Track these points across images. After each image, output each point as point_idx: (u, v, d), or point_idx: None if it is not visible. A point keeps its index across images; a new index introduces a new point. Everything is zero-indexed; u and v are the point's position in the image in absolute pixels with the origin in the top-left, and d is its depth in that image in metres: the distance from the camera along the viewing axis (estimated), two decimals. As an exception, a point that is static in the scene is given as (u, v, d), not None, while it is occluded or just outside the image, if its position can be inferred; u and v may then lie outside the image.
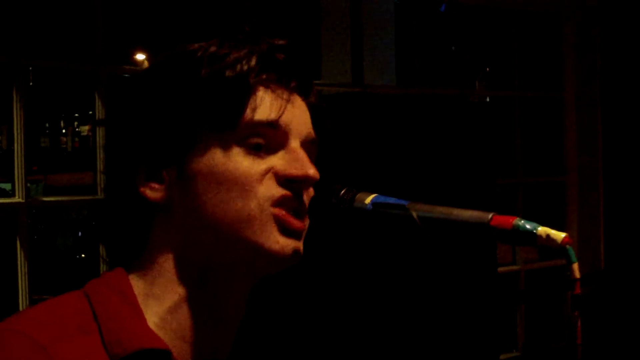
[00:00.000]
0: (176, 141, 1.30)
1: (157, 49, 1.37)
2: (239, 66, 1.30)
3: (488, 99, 5.27)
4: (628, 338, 5.00)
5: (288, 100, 1.32)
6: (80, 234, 8.80)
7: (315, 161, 1.38)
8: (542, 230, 1.25)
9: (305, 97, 1.38)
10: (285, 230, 1.29)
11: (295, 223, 1.29)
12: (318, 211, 1.34)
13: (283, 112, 1.31)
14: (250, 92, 1.29)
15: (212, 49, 1.31)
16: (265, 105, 1.30)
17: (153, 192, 1.31)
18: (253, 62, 1.31)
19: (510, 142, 5.13)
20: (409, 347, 3.11)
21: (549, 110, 5.39)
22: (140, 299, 1.30)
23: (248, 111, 1.29)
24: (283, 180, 1.29)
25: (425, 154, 3.48)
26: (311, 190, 1.35)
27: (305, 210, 1.32)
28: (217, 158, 1.28)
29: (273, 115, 1.30)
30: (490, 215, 1.28)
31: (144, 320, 1.28)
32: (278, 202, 1.29)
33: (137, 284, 1.32)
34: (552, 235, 1.24)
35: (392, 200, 1.34)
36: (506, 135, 5.15)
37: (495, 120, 3.71)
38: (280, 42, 1.36)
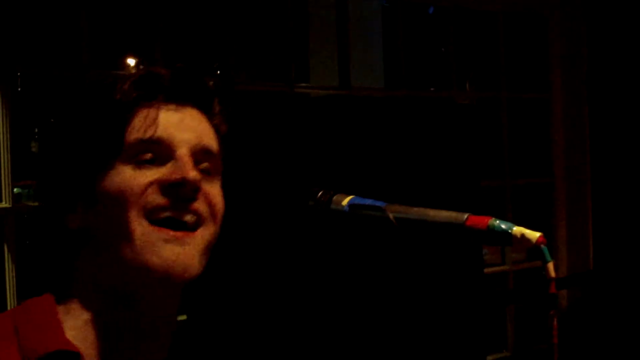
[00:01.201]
0: (78, 175, 1.36)
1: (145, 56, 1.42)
2: (118, 92, 1.37)
3: (471, 101, 5.25)
4: (617, 337, 5.01)
5: (173, 116, 1.37)
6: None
7: (220, 172, 1.43)
8: (517, 230, 1.26)
9: (205, 112, 1.43)
10: (167, 240, 1.31)
11: (175, 233, 1.31)
12: (295, 213, 1.35)
13: (163, 126, 1.35)
14: (130, 111, 1.35)
15: (107, 80, 1.40)
16: (144, 123, 1.35)
17: (72, 221, 1.38)
18: (132, 82, 1.37)
19: (497, 144, 5.13)
20: (393, 348, 3.11)
21: (536, 112, 5.39)
22: (60, 315, 1.36)
23: (130, 132, 1.34)
24: (165, 187, 1.32)
25: (409, 156, 3.50)
26: (214, 198, 1.38)
27: (196, 216, 1.35)
28: (110, 180, 1.33)
29: (154, 132, 1.34)
30: (465, 216, 1.29)
31: (61, 329, 1.34)
32: (156, 214, 1.31)
33: (60, 304, 1.38)
34: (526, 235, 1.25)
35: (369, 201, 1.36)
36: (493, 136, 5.15)
37: (479, 122, 3.71)
38: (164, 70, 1.41)
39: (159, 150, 1.34)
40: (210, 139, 1.41)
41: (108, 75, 1.41)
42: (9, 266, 3.23)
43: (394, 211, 1.33)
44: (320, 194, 1.37)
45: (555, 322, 1.24)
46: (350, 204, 1.36)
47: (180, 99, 1.39)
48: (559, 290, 5.30)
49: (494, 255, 5.25)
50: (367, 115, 3.56)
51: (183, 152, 1.35)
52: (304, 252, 2.75)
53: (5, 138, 3.23)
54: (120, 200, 1.30)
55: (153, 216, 1.31)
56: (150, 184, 1.31)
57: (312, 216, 1.36)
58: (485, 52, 5.32)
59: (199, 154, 1.37)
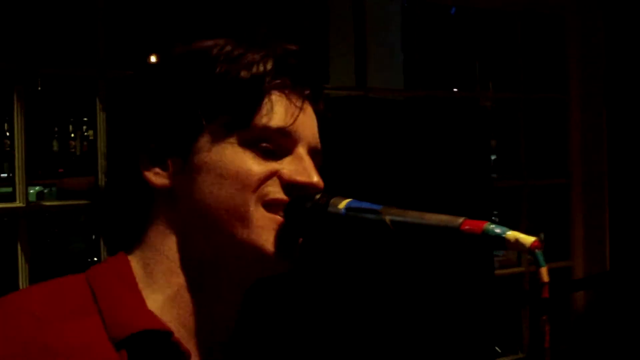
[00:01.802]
0: (185, 131, 1.32)
1: (172, 45, 1.39)
2: (254, 68, 1.32)
3: (491, 102, 5.25)
4: (634, 339, 4.99)
5: (300, 108, 1.35)
6: (93, 237, 8.85)
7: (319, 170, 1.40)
8: (511, 234, 1.26)
9: (314, 104, 1.41)
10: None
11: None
12: (293, 216, 1.36)
13: (292, 118, 1.34)
14: (264, 95, 1.32)
15: (228, 48, 1.34)
16: (278, 111, 1.33)
17: (157, 177, 1.34)
18: (269, 66, 1.33)
19: (514, 144, 5.13)
20: (402, 351, 3.11)
21: (553, 112, 5.38)
22: (141, 285, 1.32)
23: (261, 115, 1.32)
24: (287, 184, 1.32)
25: (422, 156, 3.50)
26: None
27: (292, 203, 1.34)
28: (225, 154, 1.30)
29: (285, 122, 1.33)
30: (461, 220, 1.29)
31: (145, 304, 1.30)
32: (274, 205, 1.31)
33: (137, 269, 1.34)
34: (521, 240, 1.25)
35: (366, 204, 1.36)
36: (510, 137, 5.15)
37: (491, 122, 3.71)
38: (293, 47, 1.38)
39: (283, 142, 1.34)
40: (318, 138, 1.41)
41: (235, 45, 1.35)
42: (22, 266, 3.25)
43: (390, 214, 1.33)
44: (318, 196, 1.37)
45: (547, 327, 1.24)
46: (347, 207, 1.36)
47: (304, 86, 1.38)
48: (576, 292, 5.29)
49: (510, 257, 5.25)
50: (380, 116, 3.56)
51: (303, 151, 1.35)
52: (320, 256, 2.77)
53: (20, 139, 3.25)
54: (238, 181, 1.29)
55: (270, 205, 1.31)
56: (272, 174, 1.31)
57: (309, 219, 1.36)
58: (503, 53, 5.30)
59: (311, 152, 1.38)
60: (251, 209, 1.29)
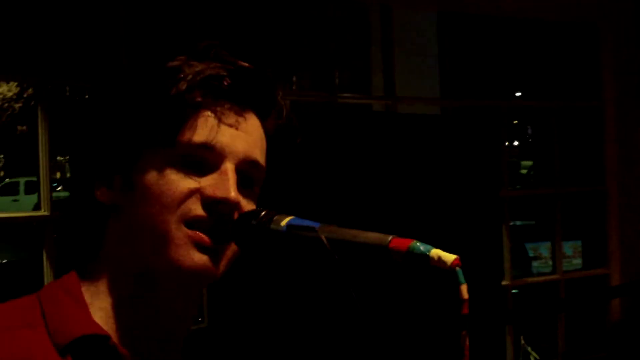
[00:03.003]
0: (120, 153, 1.38)
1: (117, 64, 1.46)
2: (181, 84, 1.36)
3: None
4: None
5: (231, 124, 1.38)
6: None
7: (261, 182, 1.45)
8: (434, 252, 1.29)
9: (261, 118, 1.44)
10: (200, 247, 1.35)
11: (208, 241, 1.35)
12: (239, 233, 1.40)
13: (218, 134, 1.36)
14: (190, 110, 1.36)
15: (172, 64, 1.39)
16: (202, 127, 1.36)
17: (103, 195, 1.40)
18: (196, 81, 1.36)
19: (549, 152, 5.11)
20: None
21: (589, 120, 5.35)
22: (86, 296, 1.39)
23: (186, 131, 1.35)
24: (207, 201, 1.35)
25: (426, 168, 3.53)
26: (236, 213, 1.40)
27: (224, 231, 1.38)
28: (153, 173, 1.35)
29: (208, 138, 1.36)
30: (389, 238, 1.32)
31: (88, 313, 1.37)
32: (195, 222, 1.35)
33: (86, 282, 1.41)
34: (443, 258, 1.28)
35: (306, 222, 1.40)
36: (545, 145, 5.14)
37: (500, 132, 3.72)
38: (241, 63, 1.42)
39: (209, 157, 1.36)
40: (259, 151, 1.43)
41: (169, 64, 1.39)
42: (47, 272, 3.35)
43: (326, 232, 1.37)
44: (263, 213, 1.41)
45: (467, 342, 1.27)
46: (288, 224, 1.39)
47: (242, 103, 1.40)
48: (612, 299, 5.26)
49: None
50: (394, 130, 3.61)
51: (229, 167, 1.37)
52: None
53: (44, 149, 3.35)
54: (160, 202, 1.34)
55: (190, 221, 1.35)
56: (192, 192, 1.35)
57: (253, 236, 1.40)
58: (536, 61, 5.30)
59: (247, 163, 1.40)
60: (172, 228, 1.34)
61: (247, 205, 1.41)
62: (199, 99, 1.36)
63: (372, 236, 1.34)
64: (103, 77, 1.46)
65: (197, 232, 1.35)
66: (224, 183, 1.36)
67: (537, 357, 5.91)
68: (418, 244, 1.31)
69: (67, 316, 1.35)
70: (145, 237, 1.36)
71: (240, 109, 1.40)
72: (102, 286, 1.40)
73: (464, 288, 1.27)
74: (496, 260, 3.70)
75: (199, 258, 1.35)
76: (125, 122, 1.38)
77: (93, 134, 1.43)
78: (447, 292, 1.28)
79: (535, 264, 10.56)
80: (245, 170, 1.41)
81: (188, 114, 1.35)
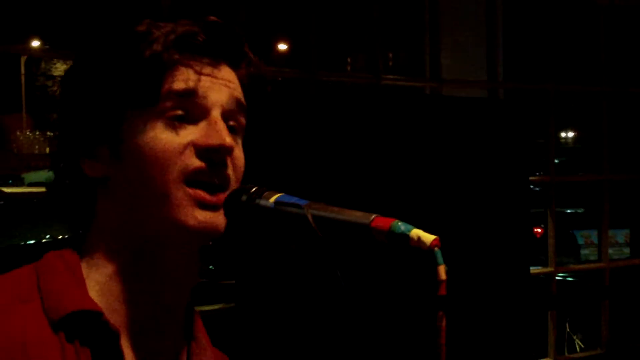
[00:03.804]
0: (103, 120, 1.39)
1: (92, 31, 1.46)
2: (155, 45, 1.37)
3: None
4: None
5: (209, 73, 1.40)
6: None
7: (244, 132, 1.47)
8: (414, 232, 1.29)
9: (234, 68, 1.45)
10: (202, 204, 1.36)
11: (209, 198, 1.36)
12: (229, 209, 1.41)
13: (199, 82, 1.38)
14: (167, 68, 1.37)
15: (140, 28, 1.40)
16: (181, 77, 1.37)
17: (90, 168, 1.41)
18: (170, 40, 1.37)
19: (598, 139, 5.05)
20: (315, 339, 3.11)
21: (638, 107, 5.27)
22: (83, 269, 1.40)
23: (166, 86, 1.36)
24: (201, 150, 1.36)
25: (457, 154, 3.51)
26: (239, 161, 1.43)
27: (226, 180, 1.40)
28: (140, 136, 1.36)
29: (188, 85, 1.37)
30: (372, 217, 1.32)
31: (84, 287, 1.37)
32: (194, 176, 1.36)
33: (83, 257, 1.41)
34: (422, 238, 1.28)
35: (294, 199, 1.40)
36: (594, 130, 5.07)
37: (526, 118, 3.68)
38: (211, 19, 1.43)
39: (193, 107, 1.37)
40: (240, 95, 1.44)
41: (141, 24, 1.40)
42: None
43: (312, 209, 1.37)
44: (253, 190, 1.42)
45: (444, 323, 1.27)
46: (276, 201, 1.40)
47: (216, 56, 1.41)
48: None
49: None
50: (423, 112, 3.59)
51: (216, 114, 1.38)
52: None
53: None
54: (156, 162, 1.34)
55: (190, 178, 1.35)
56: (185, 146, 1.35)
57: (242, 212, 1.41)
58: (586, 46, 5.22)
59: (230, 111, 1.41)
60: (172, 188, 1.34)
61: (238, 153, 1.43)
62: (176, 57, 1.37)
63: (356, 214, 1.35)
64: (78, 48, 1.46)
65: (197, 190, 1.36)
66: (216, 130, 1.37)
67: (582, 346, 5.86)
68: (399, 223, 1.30)
69: (63, 290, 1.36)
70: (144, 202, 1.36)
71: (215, 62, 1.41)
72: (98, 259, 1.41)
73: (441, 269, 1.26)
74: (522, 246, 3.66)
75: (203, 216, 1.36)
76: (104, 89, 1.39)
77: (72, 106, 1.44)
78: (428, 273, 1.28)
79: (586, 251, 10.48)
80: (230, 116, 1.42)
81: (166, 72, 1.36)
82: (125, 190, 1.38)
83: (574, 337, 6.01)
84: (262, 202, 1.41)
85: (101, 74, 1.39)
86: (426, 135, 3.58)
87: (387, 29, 4.54)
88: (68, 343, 1.32)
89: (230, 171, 1.40)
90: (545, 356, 4.93)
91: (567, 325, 6.12)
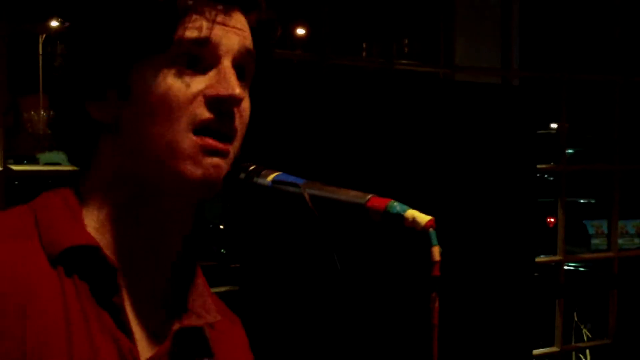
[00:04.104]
0: (113, 65, 1.37)
1: None
2: None
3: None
4: None
5: (221, 22, 1.38)
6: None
7: (252, 75, 1.45)
8: (409, 213, 1.29)
9: (245, 13, 1.43)
10: (209, 151, 1.36)
11: (217, 145, 1.36)
12: (228, 185, 1.42)
13: (212, 30, 1.36)
14: (181, 14, 1.35)
15: None
16: (194, 25, 1.35)
17: (97, 110, 1.39)
18: None
19: (609, 128, 5.04)
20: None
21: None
22: (82, 208, 1.40)
23: (178, 33, 1.34)
24: (211, 100, 1.36)
25: (467, 140, 3.51)
26: (245, 112, 1.42)
27: (233, 130, 1.39)
28: (150, 81, 1.35)
29: (202, 34, 1.35)
30: (368, 197, 1.33)
31: (81, 222, 1.38)
32: (202, 127, 1.35)
33: (81, 195, 1.41)
34: (417, 218, 1.28)
35: (291, 178, 1.41)
36: (605, 120, 5.05)
37: (535, 105, 3.67)
38: None
39: (204, 55, 1.36)
40: (249, 42, 1.43)
41: None
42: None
43: (309, 188, 1.38)
44: (251, 168, 1.42)
45: (437, 304, 1.27)
46: (274, 180, 1.41)
47: (228, 2, 1.39)
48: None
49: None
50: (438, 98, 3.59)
51: (227, 63, 1.37)
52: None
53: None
54: (166, 109, 1.33)
55: (197, 127, 1.35)
56: (195, 95, 1.35)
57: (241, 189, 1.42)
58: (600, 34, 5.19)
59: (241, 59, 1.40)
60: (180, 137, 1.34)
61: (245, 104, 1.42)
62: (190, 2, 1.35)
63: (353, 194, 1.35)
64: None
65: (205, 138, 1.35)
66: (226, 80, 1.37)
67: (590, 335, 5.85)
68: (395, 203, 1.31)
69: (60, 226, 1.36)
70: (149, 148, 1.36)
71: (228, 8, 1.39)
72: (96, 199, 1.41)
73: (435, 250, 1.27)
74: (528, 234, 3.66)
75: (209, 161, 1.36)
76: (115, 32, 1.36)
77: (81, 47, 1.41)
78: (422, 254, 1.28)
79: (596, 241, 10.49)
80: (240, 63, 1.41)
81: (180, 17, 1.35)
82: (131, 134, 1.37)
83: (582, 327, 6.00)
84: (260, 180, 1.41)
85: (112, 16, 1.37)
86: (437, 120, 3.58)
87: (402, 15, 4.53)
88: (67, 277, 1.33)
89: (237, 122, 1.39)
90: (552, 345, 4.92)
91: (575, 314, 6.12)
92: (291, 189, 1.39)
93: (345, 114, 3.40)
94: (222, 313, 1.56)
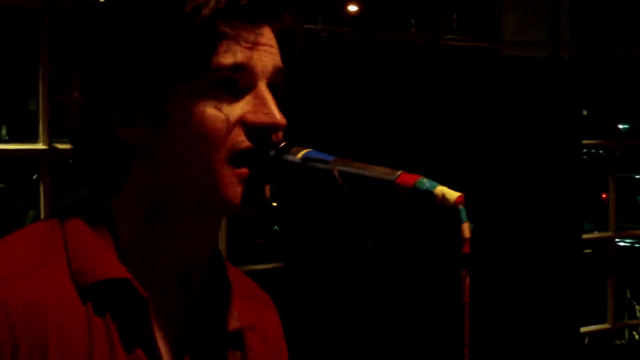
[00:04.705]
0: (146, 90, 1.33)
1: None
2: (204, 10, 1.30)
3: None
4: None
5: (255, 42, 1.35)
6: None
7: (283, 86, 1.42)
8: (439, 189, 1.27)
9: (272, 27, 1.40)
10: (245, 181, 1.34)
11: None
12: (258, 163, 1.40)
13: (246, 53, 1.33)
14: (217, 39, 1.31)
15: None
16: (230, 49, 1.32)
17: (128, 134, 1.35)
18: (217, 6, 1.31)
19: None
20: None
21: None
22: (111, 230, 1.37)
23: (215, 58, 1.31)
24: (251, 128, 1.34)
25: (511, 117, 3.47)
26: (280, 134, 1.39)
27: (257, 152, 1.36)
28: (186, 109, 1.32)
29: (238, 59, 1.33)
30: (398, 173, 1.31)
31: (112, 251, 1.36)
32: (243, 157, 1.34)
33: (111, 217, 1.38)
34: (447, 195, 1.26)
35: (322, 155, 1.39)
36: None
37: (580, 80, 3.61)
38: None
39: (240, 80, 1.33)
40: (279, 56, 1.40)
41: None
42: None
43: (338, 164, 1.36)
44: (282, 145, 1.41)
45: (467, 282, 1.25)
46: (304, 157, 1.39)
47: (258, 20, 1.36)
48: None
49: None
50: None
51: (263, 86, 1.35)
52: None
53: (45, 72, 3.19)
54: (204, 139, 1.31)
55: (236, 155, 1.33)
56: (234, 124, 1.32)
57: (271, 167, 1.40)
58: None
59: (274, 78, 1.38)
60: (219, 167, 1.32)
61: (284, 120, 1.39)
62: (224, 25, 1.32)
63: (381, 170, 1.33)
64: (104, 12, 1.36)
65: (243, 169, 1.34)
66: (267, 106, 1.35)
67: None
68: (424, 180, 1.29)
69: (91, 254, 1.33)
70: (186, 175, 1.34)
71: (258, 26, 1.36)
72: (126, 222, 1.38)
73: (465, 226, 1.25)
74: (574, 211, 3.61)
75: (246, 190, 1.35)
76: (148, 57, 1.32)
77: (110, 70, 1.35)
78: (452, 231, 1.26)
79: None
80: (273, 82, 1.39)
81: (214, 41, 1.31)
82: (165, 159, 1.35)
83: (635, 304, 5.94)
84: (290, 157, 1.39)
85: (149, 43, 1.32)
86: (484, 96, 3.54)
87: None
88: (95, 311, 1.30)
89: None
90: (605, 322, 4.88)
91: (628, 292, 6.05)
92: (321, 165, 1.37)
93: (393, 90, 3.38)
94: (254, 298, 1.57)
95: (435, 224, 1.48)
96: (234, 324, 1.47)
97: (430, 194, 1.27)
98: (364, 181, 1.34)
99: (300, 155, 1.39)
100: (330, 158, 1.37)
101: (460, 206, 1.25)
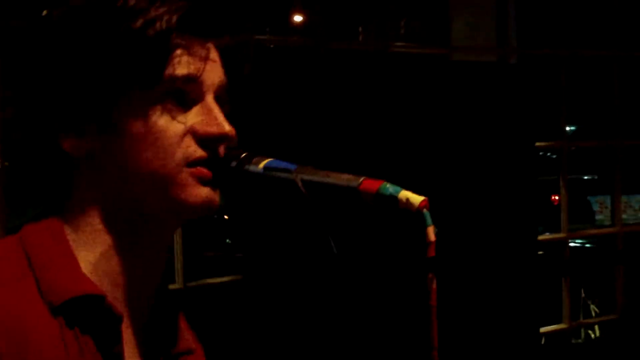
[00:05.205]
0: (95, 99, 1.31)
1: None
2: (159, 24, 1.30)
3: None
4: None
5: (205, 56, 1.35)
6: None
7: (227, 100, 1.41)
8: (403, 194, 1.27)
9: (217, 43, 1.40)
10: (204, 181, 1.34)
11: (208, 173, 1.34)
12: (220, 174, 1.40)
13: (197, 65, 1.33)
14: (170, 50, 1.31)
15: (131, 2, 1.31)
16: (182, 60, 1.32)
17: (72, 145, 1.33)
18: (174, 21, 1.31)
19: (610, 104, 5.02)
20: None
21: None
22: (73, 245, 1.34)
23: (169, 69, 1.31)
24: (202, 139, 1.33)
25: (463, 121, 3.50)
26: (233, 141, 1.38)
27: (219, 162, 1.37)
28: (137, 117, 1.31)
29: (190, 70, 1.33)
30: (361, 179, 1.31)
31: (79, 266, 1.33)
32: (195, 162, 1.33)
33: (68, 232, 1.35)
34: (411, 199, 1.27)
35: (284, 164, 1.39)
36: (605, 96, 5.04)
37: (528, 83, 3.65)
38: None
39: (189, 91, 1.33)
40: (223, 73, 1.40)
41: (129, 3, 1.32)
42: None
43: (301, 173, 1.36)
44: (243, 155, 1.40)
45: (434, 285, 1.26)
46: (265, 166, 1.39)
47: (209, 35, 1.37)
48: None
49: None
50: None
51: (210, 99, 1.35)
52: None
53: None
54: (155, 147, 1.30)
55: (191, 162, 1.33)
56: (185, 133, 1.32)
57: (233, 177, 1.40)
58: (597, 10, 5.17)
59: (220, 91, 1.38)
60: (173, 171, 1.32)
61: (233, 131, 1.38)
62: (178, 38, 1.32)
63: (345, 177, 1.33)
64: (51, 21, 1.34)
65: (199, 168, 1.34)
66: (214, 117, 1.35)
67: (598, 311, 5.85)
68: (388, 185, 1.29)
69: (58, 271, 1.31)
70: (142, 181, 1.33)
71: (206, 41, 1.36)
72: (87, 237, 1.36)
73: (430, 230, 1.26)
74: (528, 213, 3.65)
75: (206, 192, 1.34)
76: (99, 67, 1.31)
77: (55, 80, 1.34)
78: (417, 235, 1.26)
79: (601, 217, 10.48)
80: (219, 95, 1.39)
81: (167, 53, 1.31)
82: (118, 167, 1.33)
83: (589, 303, 6.00)
84: (252, 167, 1.39)
85: (102, 51, 1.31)
86: (435, 101, 3.57)
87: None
88: (68, 329, 1.28)
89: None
90: (561, 322, 4.92)
91: (582, 291, 6.11)
92: (283, 174, 1.37)
93: (343, 98, 3.39)
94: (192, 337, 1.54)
95: (400, 229, 1.48)
96: (184, 344, 1.46)
97: (394, 199, 1.28)
98: (327, 188, 1.34)
99: (262, 165, 1.39)
100: (292, 167, 1.37)
101: (425, 210, 1.26)
